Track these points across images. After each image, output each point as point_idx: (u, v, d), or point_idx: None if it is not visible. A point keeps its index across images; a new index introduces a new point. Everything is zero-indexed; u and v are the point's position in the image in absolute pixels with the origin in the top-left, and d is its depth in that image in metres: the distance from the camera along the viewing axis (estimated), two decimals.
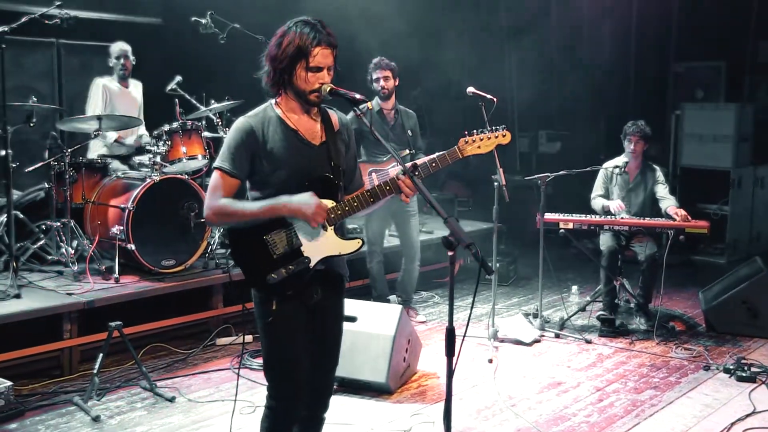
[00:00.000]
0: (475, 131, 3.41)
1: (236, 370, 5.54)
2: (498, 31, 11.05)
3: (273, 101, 3.20)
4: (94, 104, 6.86)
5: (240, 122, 3.11)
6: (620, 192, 6.91)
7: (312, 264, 3.14)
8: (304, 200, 3.04)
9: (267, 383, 3.28)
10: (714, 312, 6.66)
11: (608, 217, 6.64)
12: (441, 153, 3.33)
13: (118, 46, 6.97)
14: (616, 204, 6.69)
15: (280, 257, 3.10)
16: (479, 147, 3.39)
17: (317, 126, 3.22)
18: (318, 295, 3.21)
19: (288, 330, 3.18)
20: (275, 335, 3.19)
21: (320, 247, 3.16)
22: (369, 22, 8.20)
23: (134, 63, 7.06)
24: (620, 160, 6.87)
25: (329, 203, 3.14)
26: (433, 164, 3.29)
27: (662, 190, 6.83)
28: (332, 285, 3.31)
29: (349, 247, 3.22)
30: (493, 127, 3.40)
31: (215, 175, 3.10)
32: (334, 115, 3.31)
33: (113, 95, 6.94)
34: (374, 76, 6.58)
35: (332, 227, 3.17)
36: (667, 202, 6.72)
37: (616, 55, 10.58)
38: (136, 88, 7.19)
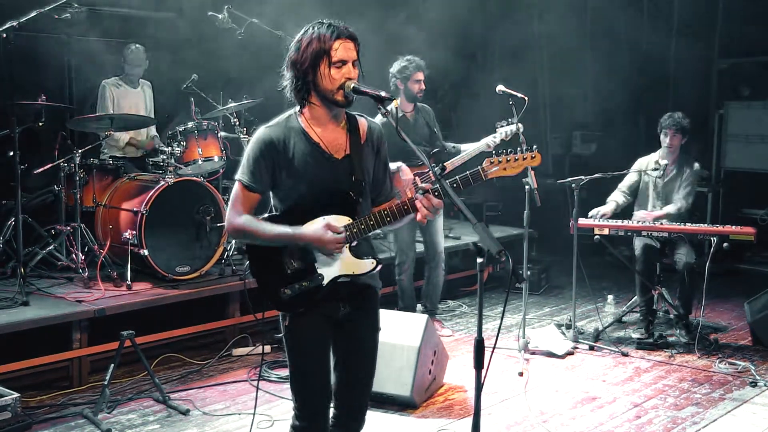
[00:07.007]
0: (503, 151, 3.31)
1: (254, 382, 5.57)
2: (530, 25, 11.01)
3: (297, 110, 3.23)
4: (103, 108, 6.92)
5: (260, 133, 3.17)
6: (654, 186, 6.88)
7: (325, 282, 3.18)
8: (319, 234, 3.09)
9: (292, 401, 3.34)
10: (761, 324, 6.59)
11: (646, 222, 6.61)
12: (464, 174, 3.25)
13: (132, 50, 7.04)
14: (641, 214, 6.71)
15: (293, 273, 3.19)
16: (505, 169, 3.26)
17: (343, 137, 3.23)
18: (345, 308, 3.25)
19: (306, 345, 3.25)
20: (294, 351, 3.27)
21: (335, 265, 3.19)
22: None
23: (147, 67, 7.15)
24: (656, 155, 6.85)
25: (345, 220, 3.15)
26: (455, 185, 3.20)
27: (682, 189, 6.83)
28: (361, 298, 3.31)
29: (363, 267, 3.23)
30: (525, 147, 3.31)
31: (236, 187, 3.20)
32: (364, 123, 3.30)
33: (120, 97, 7.01)
34: (415, 78, 6.43)
35: (347, 246, 3.18)
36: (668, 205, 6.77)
37: (655, 49, 10.50)
38: (145, 88, 7.24)
